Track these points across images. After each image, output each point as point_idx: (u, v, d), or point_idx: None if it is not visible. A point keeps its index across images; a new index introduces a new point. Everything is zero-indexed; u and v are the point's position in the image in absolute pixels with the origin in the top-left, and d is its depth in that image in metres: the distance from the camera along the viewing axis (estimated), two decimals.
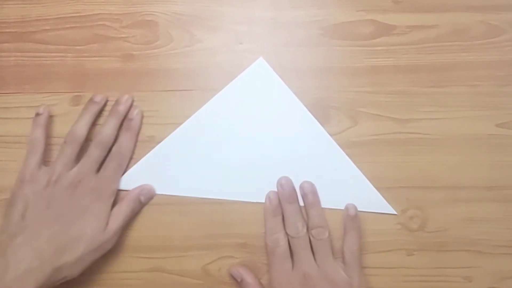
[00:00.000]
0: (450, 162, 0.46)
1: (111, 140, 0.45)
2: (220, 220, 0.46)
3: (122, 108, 0.46)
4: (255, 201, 0.45)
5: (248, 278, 0.43)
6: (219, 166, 0.46)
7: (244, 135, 0.47)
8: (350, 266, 0.43)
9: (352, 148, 0.46)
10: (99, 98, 0.46)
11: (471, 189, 0.46)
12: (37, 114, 0.46)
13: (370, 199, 0.45)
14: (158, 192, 0.46)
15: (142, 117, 0.47)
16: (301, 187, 0.45)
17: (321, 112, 0.47)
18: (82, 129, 0.44)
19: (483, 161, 0.46)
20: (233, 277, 0.44)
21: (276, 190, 0.45)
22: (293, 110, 0.47)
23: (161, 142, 0.46)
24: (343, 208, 0.45)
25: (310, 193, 0.45)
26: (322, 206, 0.45)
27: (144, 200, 0.45)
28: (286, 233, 0.44)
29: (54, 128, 0.47)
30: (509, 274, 0.45)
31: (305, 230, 0.43)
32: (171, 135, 0.47)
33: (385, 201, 0.45)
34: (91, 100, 0.46)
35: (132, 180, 0.46)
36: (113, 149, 0.45)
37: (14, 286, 0.37)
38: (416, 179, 0.46)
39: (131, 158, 0.46)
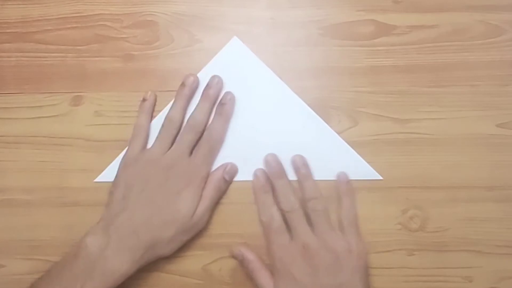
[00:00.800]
0: (450, 162, 0.46)
1: (203, 124, 0.45)
2: (220, 220, 0.46)
3: (212, 92, 0.46)
4: (243, 179, 0.46)
5: (249, 255, 0.44)
6: None
7: None
8: (348, 233, 0.43)
9: (352, 148, 0.46)
10: (190, 81, 0.46)
11: (471, 189, 0.46)
12: (143, 100, 0.47)
13: (356, 167, 0.46)
14: None
15: (235, 102, 0.47)
16: (292, 161, 0.45)
17: (321, 112, 0.47)
18: (177, 113, 0.45)
19: (483, 161, 0.46)
20: (234, 257, 0.44)
21: (262, 167, 0.46)
22: (271, 85, 0.47)
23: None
24: (330, 178, 0.45)
25: (302, 166, 0.45)
26: None
27: (229, 178, 0.46)
28: (279, 209, 0.44)
29: (54, 128, 0.47)
30: (509, 274, 0.44)
31: (298, 203, 0.44)
32: (152, 123, 0.47)
33: (370, 167, 0.46)
34: (182, 84, 0.46)
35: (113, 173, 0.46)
36: (205, 133, 0.45)
37: (113, 260, 0.40)
38: (416, 179, 0.46)
39: (222, 142, 0.46)
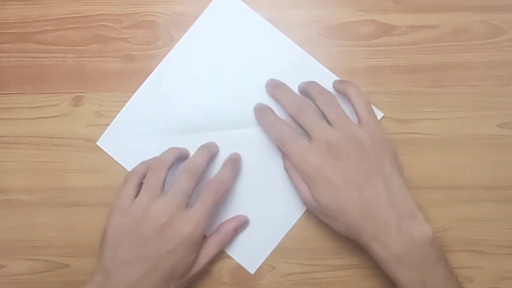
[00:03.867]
0: (451, 162, 0.46)
1: (201, 169, 0.42)
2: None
3: (212, 145, 0.45)
4: (244, 129, 0.46)
5: (287, 164, 0.43)
6: (203, 100, 0.47)
7: (221, 67, 0.47)
8: (366, 120, 0.41)
9: None
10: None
11: (472, 189, 0.46)
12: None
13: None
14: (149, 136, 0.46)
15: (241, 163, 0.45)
16: (274, 82, 0.45)
17: None
18: (170, 155, 0.42)
19: (484, 161, 0.46)
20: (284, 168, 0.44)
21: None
22: (263, 33, 0.47)
23: (138, 90, 0.47)
24: None
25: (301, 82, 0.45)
26: None
27: (240, 232, 0.45)
28: (286, 120, 0.42)
29: (54, 128, 0.47)
30: (510, 274, 0.44)
31: (303, 99, 0.42)
32: (149, 79, 0.47)
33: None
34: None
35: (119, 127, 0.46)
36: (212, 182, 0.42)
37: None
38: (416, 179, 0.45)
39: (227, 197, 0.44)
